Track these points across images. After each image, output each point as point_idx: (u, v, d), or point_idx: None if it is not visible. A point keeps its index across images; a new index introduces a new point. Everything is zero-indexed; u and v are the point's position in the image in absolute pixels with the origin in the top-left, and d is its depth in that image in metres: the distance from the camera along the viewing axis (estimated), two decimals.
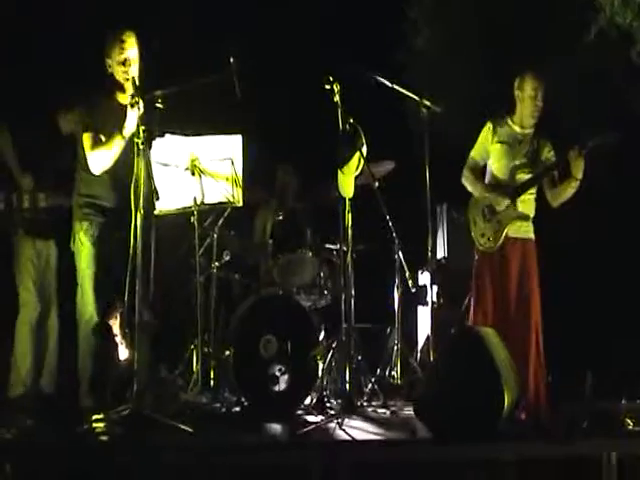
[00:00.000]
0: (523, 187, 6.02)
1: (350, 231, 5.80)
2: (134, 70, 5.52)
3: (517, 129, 6.15)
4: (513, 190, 6.01)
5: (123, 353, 5.73)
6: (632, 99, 7.43)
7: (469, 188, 6.24)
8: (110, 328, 5.56)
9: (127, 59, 5.50)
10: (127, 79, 5.49)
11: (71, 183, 5.67)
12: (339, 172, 5.72)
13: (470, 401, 5.00)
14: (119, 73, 5.53)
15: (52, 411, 5.72)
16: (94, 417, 5.15)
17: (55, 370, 6.24)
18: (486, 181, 6.21)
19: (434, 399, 5.16)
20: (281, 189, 7.33)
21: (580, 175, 5.90)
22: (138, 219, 5.17)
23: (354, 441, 5.14)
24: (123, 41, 5.52)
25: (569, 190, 5.99)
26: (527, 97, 6.09)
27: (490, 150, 6.17)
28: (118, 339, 5.61)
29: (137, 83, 5.43)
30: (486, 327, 5.74)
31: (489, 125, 6.19)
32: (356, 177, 5.88)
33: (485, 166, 6.25)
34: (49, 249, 6.34)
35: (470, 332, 5.63)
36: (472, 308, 6.12)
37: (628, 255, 7.35)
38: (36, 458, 4.63)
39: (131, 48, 5.54)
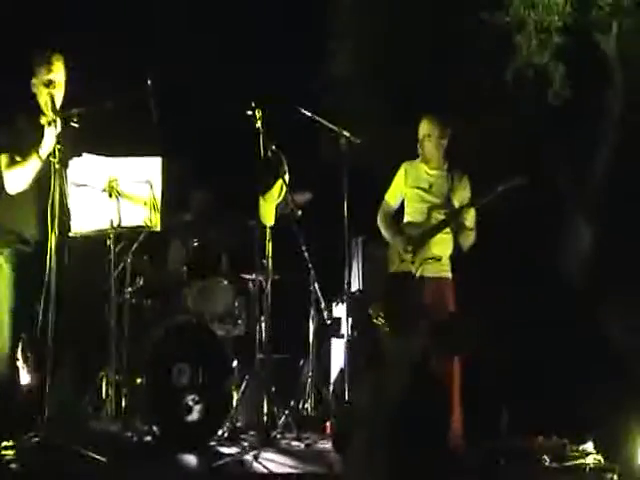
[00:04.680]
0: (424, 236, 6.00)
1: (270, 260, 5.77)
2: (58, 93, 5.47)
3: (428, 170, 6.16)
4: (417, 238, 6.01)
5: (25, 378, 5.56)
6: (546, 140, 7.54)
7: (382, 232, 6.25)
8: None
9: (52, 81, 5.46)
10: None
11: None
12: (261, 199, 5.69)
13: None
14: (42, 94, 5.47)
15: None
16: (2, 444, 5.00)
17: None
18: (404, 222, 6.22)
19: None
20: (197, 215, 7.21)
21: (470, 224, 5.96)
22: (53, 240, 5.08)
23: (272, 475, 5.10)
24: (51, 63, 5.47)
25: (468, 239, 6.03)
26: (425, 139, 6.12)
27: (404, 193, 6.20)
28: (19, 363, 5.45)
29: (55, 102, 5.36)
30: None
31: (402, 168, 6.21)
32: (276, 206, 5.86)
33: (401, 208, 6.25)
34: None
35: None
36: None
37: (549, 293, 7.38)
38: None
39: (58, 71, 5.49)
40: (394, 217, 6.28)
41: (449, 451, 5.60)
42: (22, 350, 5.73)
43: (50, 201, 5.10)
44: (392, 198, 6.26)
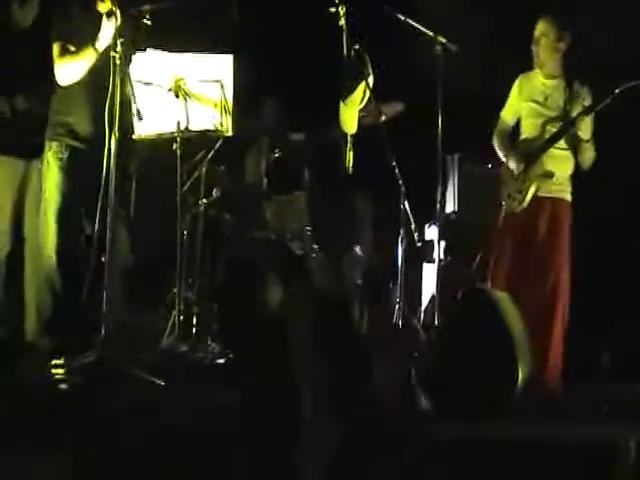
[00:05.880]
0: (537, 151, 5.60)
1: (351, 170, 5.39)
2: None
3: (544, 80, 5.73)
4: (529, 154, 5.62)
5: None
6: None
7: (497, 150, 5.87)
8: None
9: None
10: None
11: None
12: (342, 104, 5.30)
13: (478, 372, 4.55)
14: None
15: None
16: (53, 362, 4.70)
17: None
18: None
19: (437, 367, 4.70)
20: (273, 124, 6.84)
21: (586, 135, 5.53)
22: (113, 143, 4.71)
23: None
24: None
25: (586, 154, 5.59)
26: (541, 39, 5.67)
27: (519, 108, 5.80)
28: None
29: None
30: (501, 291, 5.27)
31: (517, 81, 5.82)
32: (361, 116, 5.46)
33: (518, 124, 5.84)
34: (31, 168, 5.39)
35: (481, 295, 5.18)
36: (491, 270, 5.75)
37: None
38: None
39: None
40: (512, 136, 5.86)
41: (547, 391, 5.27)
42: None
43: (110, 100, 4.72)
44: (508, 114, 5.86)
